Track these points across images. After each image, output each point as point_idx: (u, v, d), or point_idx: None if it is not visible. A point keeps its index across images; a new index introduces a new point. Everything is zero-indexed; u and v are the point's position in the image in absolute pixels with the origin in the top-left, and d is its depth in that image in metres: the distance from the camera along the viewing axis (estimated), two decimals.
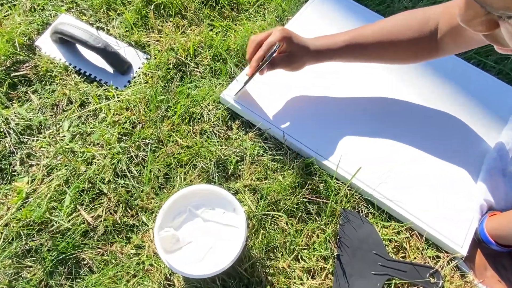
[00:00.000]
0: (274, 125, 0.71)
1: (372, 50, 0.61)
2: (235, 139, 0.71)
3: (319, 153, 0.70)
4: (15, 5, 0.84)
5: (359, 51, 0.61)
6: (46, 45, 0.80)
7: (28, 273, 0.62)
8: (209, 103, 0.77)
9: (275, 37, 0.61)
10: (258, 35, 0.63)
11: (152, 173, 0.69)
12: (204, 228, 0.58)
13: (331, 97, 0.77)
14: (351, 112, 0.75)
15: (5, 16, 0.82)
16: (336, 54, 0.62)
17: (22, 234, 0.63)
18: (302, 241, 0.64)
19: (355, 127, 0.73)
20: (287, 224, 0.65)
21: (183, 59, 0.81)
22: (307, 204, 0.68)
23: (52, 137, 0.69)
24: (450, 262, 0.63)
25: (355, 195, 0.69)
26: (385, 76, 0.77)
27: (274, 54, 0.60)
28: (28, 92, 0.75)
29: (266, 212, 0.65)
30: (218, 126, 0.73)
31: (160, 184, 0.68)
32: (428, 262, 0.63)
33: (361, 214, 0.68)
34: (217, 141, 0.71)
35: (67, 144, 0.70)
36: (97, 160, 0.69)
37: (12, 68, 0.77)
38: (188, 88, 0.78)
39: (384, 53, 0.61)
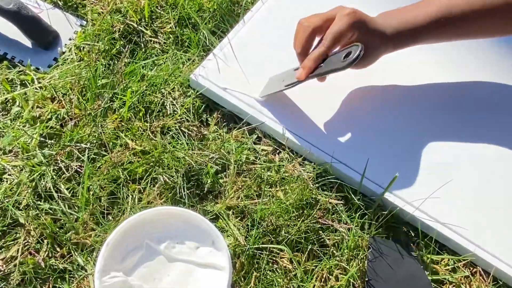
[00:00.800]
0: (271, 118, 0.70)
1: (473, 23, 0.60)
2: (213, 140, 0.69)
3: (335, 158, 0.67)
4: None
5: (456, 26, 0.59)
6: None
7: None
8: (174, 88, 0.74)
9: (343, 24, 0.58)
10: (312, 18, 0.60)
11: (92, 193, 0.65)
12: (169, 270, 0.57)
13: (352, 80, 0.74)
14: (379, 101, 0.72)
15: None
16: (423, 36, 0.60)
17: None
18: (314, 286, 0.60)
19: (385, 121, 0.71)
20: (291, 262, 0.62)
21: (135, 25, 0.78)
22: (320, 231, 0.64)
23: None
24: None
25: (390, 216, 0.65)
26: (424, 60, 0.74)
27: (351, 58, 0.57)
28: None
29: (261, 246, 0.63)
30: (188, 121, 0.71)
31: (104, 209, 0.65)
32: None
33: (398, 244, 0.64)
34: (187, 143, 0.69)
35: None
36: (9, 175, 0.65)
37: None
38: (143, 67, 0.75)
39: (491, 23, 0.60)
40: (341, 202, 0.66)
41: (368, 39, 0.59)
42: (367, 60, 0.61)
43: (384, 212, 0.65)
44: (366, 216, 0.65)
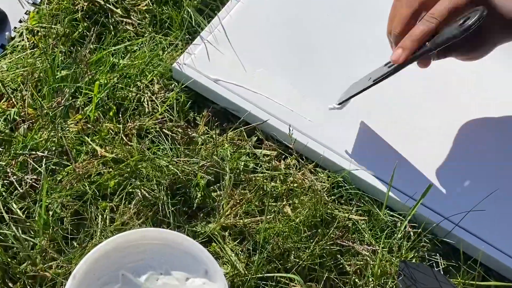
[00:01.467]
0: (274, 115, 0.70)
1: None
2: (203, 144, 0.69)
3: (356, 163, 0.67)
4: None
5: None
6: None
7: None
8: (152, 80, 0.73)
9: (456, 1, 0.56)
10: None
11: (51, 213, 0.64)
12: None
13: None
14: (408, 93, 0.73)
15: None
16: None
17: None
18: None
19: (415, 118, 0.71)
20: None
21: (102, 3, 0.78)
22: (339, 255, 0.64)
23: None
24: None
25: (424, 235, 0.65)
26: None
27: (472, 27, 0.54)
28: None
29: (266, 275, 0.62)
30: (171, 121, 0.71)
31: (67, 233, 0.64)
32: None
33: (435, 268, 0.64)
34: (171, 149, 0.68)
35: None
36: None
37: None
38: (113, 55, 0.74)
39: None
40: (364, 218, 0.66)
41: (489, 20, 0.56)
42: (486, 45, 0.59)
43: (416, 231, 0.65)
44: (395, 235, 0.65)
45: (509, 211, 0.66)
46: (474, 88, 0.74)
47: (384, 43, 0.75)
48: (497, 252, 0.64)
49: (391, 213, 0.66)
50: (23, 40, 0.75)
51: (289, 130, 0.68)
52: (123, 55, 0.75)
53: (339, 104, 0.66)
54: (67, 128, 0.69)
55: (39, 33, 0.75)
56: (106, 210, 0.65)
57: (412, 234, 0.65)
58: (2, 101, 0.71)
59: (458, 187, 0.67)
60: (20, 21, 0.77)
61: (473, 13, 0.55)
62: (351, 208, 0.66)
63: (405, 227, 0.65)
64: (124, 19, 0.78)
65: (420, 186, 0.64)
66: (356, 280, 0.64)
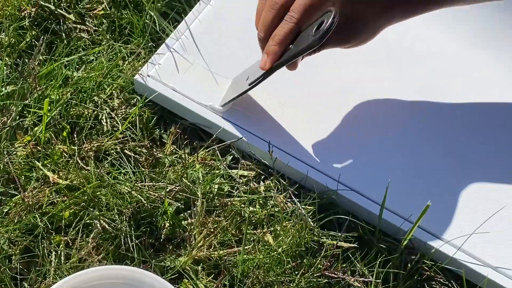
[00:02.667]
0: (251, 132, 0.69)
1: None
2: (171, 166, 0.68)
3: (343, 183, 0.67)
4: None
5: None
6: None
7: None
8: (111, 94, 0.72)
9: None
10: None
11: None
12: None
13: (363, 80, 0.75)
14: (399, 106, 0.73)
15: None
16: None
17: None
18: None
19: (409, 133, 0.71)
20: None
21: (52, 8, 0.77)
22: None
23: None
24: None
25: (423, 262, 0.65)
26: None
27: (328, 33, 0.57)
28: None
29: None
30: (134, 140, 0.70)
31: (16, 272, 0.63)
32: None
33: None
34: (134, 173, 0.68)
35: None
36: None
37: None
38: (66, 67, 0.74)
39: None
40: (355, 245, 0.65)
41: (363, 6, 0.59)
42: (365, 32, 0.61)
43: (414, 257, 0.64)
44: (390, 263, 0.64)
45: None
46: (477, 103, 0.74)
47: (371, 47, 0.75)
48: (505, 279, 0.63)
49: (385, 238, 0.66)
50: None
51: (269, 147, 0.67)
52: (77, 66, 0.74)
53: (222, 106, 0.69)
54: (14, 152, 0.68)
55: None
56: (61, 245, 0.64)
57: (409, 261, 0.64)
58: None
59: (459, 207, 0.67)
60: None
61: (327, 15, 0.57)
62: (339, 234, 0.66)
63: (401, 253, 0.64)
64: (78, 26, 0.77)
65: (417, 206, 0.63)
66: None
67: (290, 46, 0.60)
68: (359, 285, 0.63)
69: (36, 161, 0.67)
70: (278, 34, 0.59)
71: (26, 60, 0.74)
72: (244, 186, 0.68)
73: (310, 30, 0.58)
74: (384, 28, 0.62)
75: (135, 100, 0.72)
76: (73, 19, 0.77)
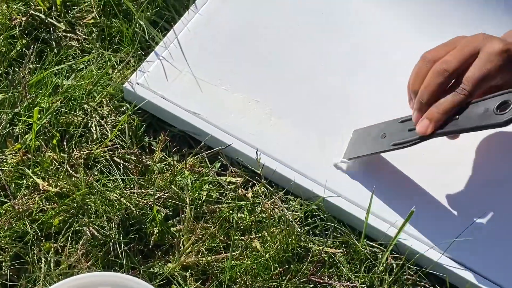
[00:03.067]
0: (239, 139, 0.70)
1: None
2: (159, 173, 0.69)
3: (330, 189, 0.67)
4: None
5: None
6: None
7: None
8: (101, 102, 0.73)
9: (493, 66, 0.57)
10: (448, 56, 0.59)
11: None
12: None
13: (350, 84, 0.76)
14: (385, 110, 0.73)
15: None
16: None
17: None
18: None
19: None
20: None
21: (43, 17, 0.78)
22: None
23: None
24: None
25: (408, 266, 0.65)
26: None
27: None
28: None
29: None
30: (123, 148, 0.70)
31: (6, 279, 0.63)
32: None
33: None
34: (123, 180, 0.68)
35: None
36: None
37: None
38: (56, 75, 0.74)
39: None
40: (341, 251, 0.66)
41: None
42: None
43: (399, 262, 0.65)
44: (376, 268, 0.65)
45: (498, 236, 0.67)
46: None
47: (357, 55, 0.77)
48: (488, 282, 0.64)
49: (371, 243, 0.67)
50: None
51: (256, 154, 0.68)
52: (67, 74, 0.74)
53: (348, 159, 0.68)
54: (4, 160, 0.68)
55: None
56: (50, 252, 0.64)
57: (394, 266, 0.65)
58: None
59: (443, 212, 0.68)
60: None
61: (509, 95, 0.55)
62: (326, 240, 0.66)
63: (387, 258, 0.65)
64: (68, 34, 0.78)
65: (402, 212, 0.65)
66: None
67: (456, 116, 0.58)
68: None
69: (26, 169, 0.68)
70: (446, 104, 0.58)
71: (17, 69, 0.74)
72: (233, 193, 0.68)
73: (490, 106, 0.56)
74: None
75: (124, 108, 0.73)
76: (63, 27, 0.77)
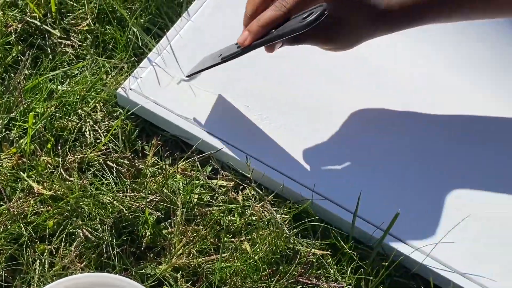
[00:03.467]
0: (230, 143, 0.71)
1: None
2: (152, 177, 0.70)
3: (317, 192, 0.68)
4: None
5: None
6: None
7: None
8: (95, 107, 0.74)
9: None
10: None
11: None
12: None
13: (339, 91, 0.77)
14: (372, 117, 0.75)
15: None
16: (435, 10, 0.62)
17: None
18: None
19: (380, 143, 0.73)
20: None
21: (38, 23, 0.78)
22: None
23: None
24: None
25: (394, 268, 0.66)
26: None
27: (314, 23, 0.59)
28: None
29: None
30: (117, 152, 0.71)
31: (1, 280, 0.64)
32: None
33: None
34: (116, 183, 0.69)
35: None
36: None
37: None
38: (51, 81, 0.75)
39: None
40: (328, 252, 0.67)
41: (350, 12, 0.60)
42: (347, 38, 0.62)
43: (385, 263, 0.66)
44: (362, 269, 0.66)
45: (481, 238, 0.68)
46: (445, 115, 0.76)
47: (344, 61, 0.78)
48: (472, 284, 0.65)
49: (358, 245, 0.68)
50: None
51: (246, 158, 0.69)
52: (62, 80, 0.75)
53: (187, 77, 0.72)
54: (0, 164, 0.69)
55: None
56: (45, 254, 0.65)
57: (380, 268, 0.66)
58: None
59: (428, 215, 0.69)
60: None
61: (317, 8, 0.59)
62: (314, 241, 0.67)
63: (373, 260, 0.66)
64: (63, 41, 0.78)
65: (388, 214, 0.65)
66: None
67: (273, 30, 0.61)
68: None
69: (21, 172, 0.68)
70: (265, 17, 0.60)
71: (12, 75, 0.75)
72: (223, 196, 0.69)
73: (300, 17, 0.59)
74: (366, 39, 0.63)
75: (118, 113, 0.74)
76: (58, 34, 0.78)
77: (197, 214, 0.68)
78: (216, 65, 0.67)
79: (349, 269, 0.66)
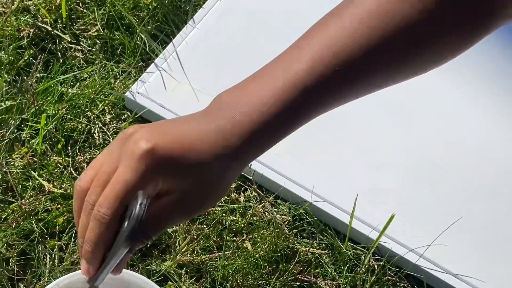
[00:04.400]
0: None
1: (379, 65, 0.45)
2: None
3: (316, 194, 0.70)
4: None
5: (355, 79, 0.45)
6: None
7: None
8: (103, 110, 0.76)
9: (132, 178, 0.40)
10: (87, 172, 0.43)
11: None
12: None
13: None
14: (369, 124, 0.78)
15: None
16: (303, 115, 0.45)
17: None
18: None
19: (377, 149, 0.76)
20: None
21: (49, 29, 0.80)
22: None
23: None
24: None
25: (388, 268, 0.68)
26: None
27: (131, 224, 0.39)
28: None
29: None
30: None
31: (13, 274, 0.65)
32: None
33: None
34: None
35: None
36: None
37: None
38: (61, 84, 0.77)
39: (403, 59, 0.45)
40: (326, 252, 0.69)
41: (186, 183, 0.42)
42: (204, 205, 0.44)
43: (380, 263, 0.68)
44: (358, 268, 0.68)
45: (471, 240, 0.71)
46: (435, 118, 0.79)
47: None
48: (463, 284, 0.68)
49: (354, 246, 0.70)
50: None
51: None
52: (72, 83, 0.77)
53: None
54: (12, 163, 0.70)
55: None
56: (55, 249, 0.66)
57: (376, 267, 0.68)
58: None
59: (422, 217, 0.71)
60: None
61: (134, 202, 0.39)
62: (312, 241, 0.69)
63: (369, 260, 0.68)
64: (73, 46, 0.80)
65: (383, 216, 0.68)
66: None
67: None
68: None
69: (32, 171, 0.70)
70: (91, 238, 0.42)
71: (24, 77, 0.76)
72: (226, 197, 0.71)
73: (124, 224, 0.40)
74: (232, 183, 0.45)
75: (125, 115, 0.76)
76: (69, 39, 0.80)
77: (201, 214, 0.70)
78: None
79: (346, 268, 0.68)
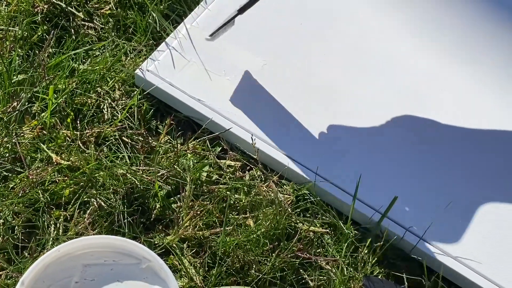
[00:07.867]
0: (238, 124, 0.75)
1: None
2: (164, 153, 0.73)
3: (320, 175, 0.72)
4: None
5: None
6: None
7: None
8: (113, 86, 0.78)
9: None
10: None
11: (2, 221, 0.68)
12: None
13: (344, 79, 0.80)
14: (373, 105, 0.79)
15: None
16: None
17: None
18: None
19: (380, 130, 0.77)
20: None
21: (63, 6, 0.83)
22: (300, 269, 0.68)
23: None
24: None
25: (389, 249, 0.69)
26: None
27: None
28: None
29: (224, 287, 0.65)
30: (132, 129, 0.75)
31: (18, 241, 0.67)
32: None
33: (399, 284, 0.68)
34: (130, 157, 0.73)
35: None
36: None
37: None
38: (73, 59, 0.79)
39: None
40: (328, 231, 0.70)
41: None
42: None
43: (379, 244, 0.69)
44: (359, 249, 0.69)
45: (471, 223, 0.71)
46: (445, 101, 0.80)
47: (354, 52, 0.82)
48: (461, 266, 0.68)
49: (357, 226, 0.71)
50: None
51: (252, 139, 0.73)
52: (83, 60, 0.79)
53: (210, 35, 0.74)
54: (21, 134, 0.73)
55: None
56: (60, 219, 0.68)
57: (377, 248, 0.69)
58: None
59: (424, 199, 0.72)
60: None
61: None
62: (314, 220, 0.70)
63: (370, 241, 0.69)
64: (86, 23, 0.82)
65: (386, 198, 0.69)
66: None
67: None
68: (331, 267, 0.67)
69: (41, 144, 0.72)
70: None
71: (37, 52, 0.79)
72: (231, 175, 0.73)
73: None
74: None
75: (135, 92, 0.77)
76: (82, 16, 0.83)
77: (205, 191, 0.71)
78: (233, 18, 0.70)
79: (346, 247, 0.68)
